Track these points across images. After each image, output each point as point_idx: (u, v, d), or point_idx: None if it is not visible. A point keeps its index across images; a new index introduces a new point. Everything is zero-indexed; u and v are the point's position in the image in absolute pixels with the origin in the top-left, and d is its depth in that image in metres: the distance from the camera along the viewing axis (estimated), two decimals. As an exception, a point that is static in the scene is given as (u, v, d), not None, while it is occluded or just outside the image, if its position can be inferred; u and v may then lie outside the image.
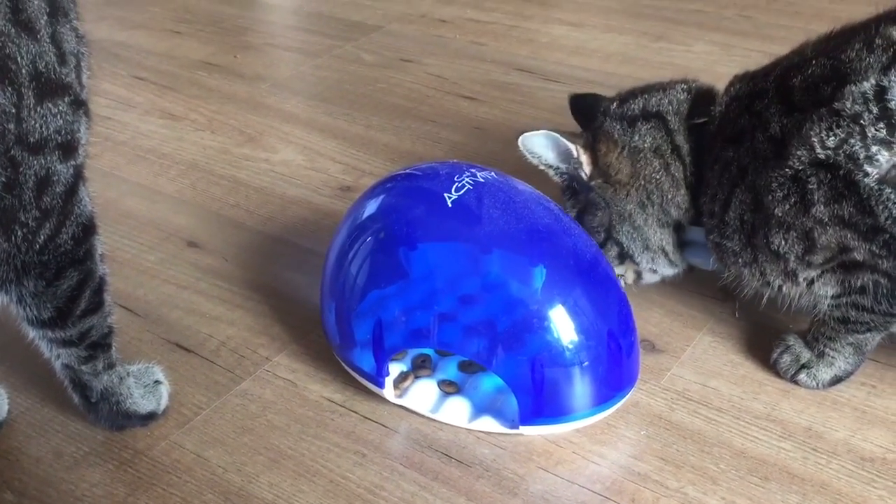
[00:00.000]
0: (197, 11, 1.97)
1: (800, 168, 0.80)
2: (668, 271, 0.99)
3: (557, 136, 0.96)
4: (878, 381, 0.91)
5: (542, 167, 0.99)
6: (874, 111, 0.75)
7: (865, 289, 0.83)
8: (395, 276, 0.86)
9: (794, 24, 1.72)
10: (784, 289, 0.88)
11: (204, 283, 1.10)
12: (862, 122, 0.76)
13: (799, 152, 0.80)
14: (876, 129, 0.75)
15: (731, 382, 0.92)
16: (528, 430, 0.85)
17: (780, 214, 0.83)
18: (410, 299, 0.85)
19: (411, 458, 0.85)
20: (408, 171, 0.95)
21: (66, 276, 0.77)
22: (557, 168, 0.99)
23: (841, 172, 0.78)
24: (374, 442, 0.87)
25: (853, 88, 0.77)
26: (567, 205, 1.00)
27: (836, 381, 0.90)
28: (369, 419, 0.90)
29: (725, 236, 0.89)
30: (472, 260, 0.85)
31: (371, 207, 0.91)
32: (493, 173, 0.90)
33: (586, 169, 0.97)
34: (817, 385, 0.89)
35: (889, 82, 0.75)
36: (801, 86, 0.82)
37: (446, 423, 0.88)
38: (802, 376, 0.90)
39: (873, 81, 0.76)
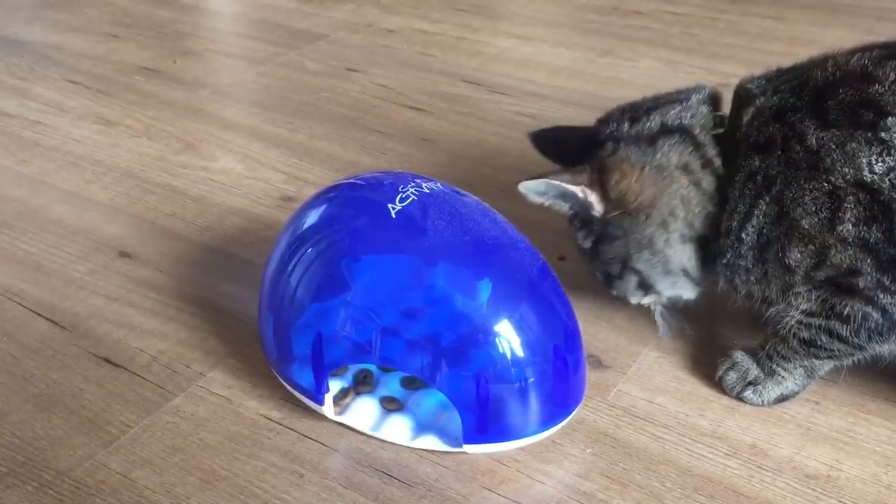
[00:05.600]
0: (135, 15, 1.92)
1: (841, 185, 0.79)
2: (690, 294, 0.94)
3: (558, 183, 0.89)
4: (821, 398, 0.90)
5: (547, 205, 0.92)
6: None
7: (850, 318, 0.82)
8: (336, 288, 0.83)
9: (738, 43, 1.74)
10: (773, 300, 0.86)
11: (136, 294, 1.06)
12: None
13: (845, 170, 0.79)
14: None
15: (678, 399, 0.91)
16: (471, 449, 0.83)
17: (806, 227, 0.81)
18: (352, 313, 0.82)
19: (351, 478, 0.82)
20: (351, 180, 0.92)
21: None
22: (562, 207, 0.92)
23: (882, 198, 0.77)
24: (312, 461, 0.84)
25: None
26: (579, 236, 0.93)
27: (782, 399, 0.89)
28: (308, 437, 0.86)
29: (740, 254, 0.85)
30: (416, 273, 0.83)
31: (312, 217, 0.88)
32: (438, 184, 0.88)
33: (598, 207, 0.90)
34: (763, 402, 0.89)
35: None
36: (837, 107, 0.81)
37: (388, 442, 0.85)
38: (748, 393, 0.89)
39: None
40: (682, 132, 0.88)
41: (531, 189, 0.89)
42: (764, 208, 0.83)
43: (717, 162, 0.88)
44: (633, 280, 0.92)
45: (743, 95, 0.89)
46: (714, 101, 0.92)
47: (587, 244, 0.92)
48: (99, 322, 1.01)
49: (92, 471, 0.82)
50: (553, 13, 1.94)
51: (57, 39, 1.79)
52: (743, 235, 0.84)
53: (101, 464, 0.83)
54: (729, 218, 0.86)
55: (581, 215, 0.92)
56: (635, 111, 0.92)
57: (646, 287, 0.92)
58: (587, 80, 1.60)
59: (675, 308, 0.97)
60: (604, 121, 0.94)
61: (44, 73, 1.65)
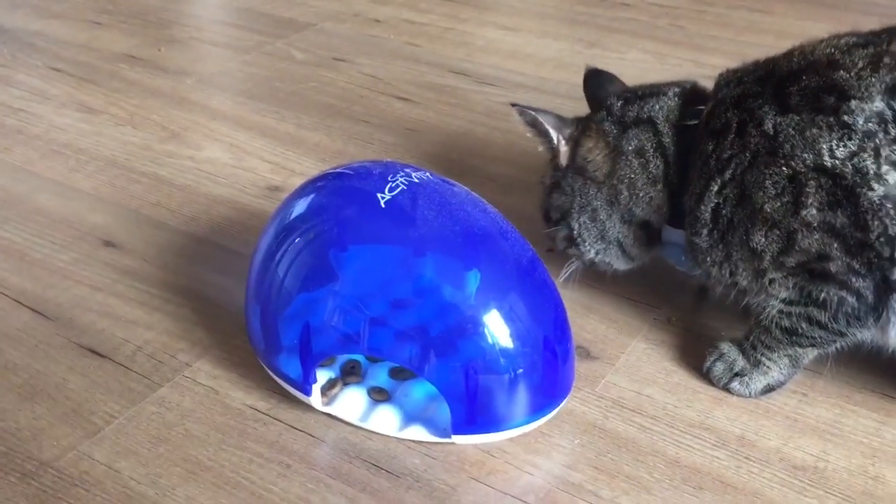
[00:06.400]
0: (119, 2, 1.90)
1: (801, 170, 0.80)
2: (620, 266, 0.99)
3: (542, 122, 0.98)
4: (808, 390, 0.91)
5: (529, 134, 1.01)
6: (892, 133, 0.77)
7: (826, 304, 0.82)
8: (324, 278, 0.83)
9: (724, 35, 1.74)
10: (747, 288, 0.87)
11: (121, 284, 1.04)
12: (877, 140, 0.77)
13: (804, 155, 0.79)
14: (890, 150, 0.76)
15: (666, 390, 0.91)
16: (460, 440, 0.83)
17: (769, 211, 0.82)
18: (340, 303, 0.82)
19: (338, 469, 0.81)
20: (339, 169, 0.91)
21: None
22: (540, 145, 1.01)
23: (844, 183, 0.78)
24: (299, 452, 0.83)
25: (862, 105, 0.77)
26: (547, 172, 1.02)
27: (769, 390, 0.89)
28: (295, 428, 0.86)
29: (695, 232, 0.88)
30: (404, 263, 0.82)
31: (300, 207, 0.87)
32: (428, 174, 0.87)
33: (563, 160, 0.98)
34: (749, 393, 0.89)
35: None
36: (798, 93, 0.82)
37: (375, 432, 0.85)
38: (735, 384, 0.89)
39: (883, 104, 0.77)
40: (649, 123, 0.94)
41: (524, 114, 0.99)
42: (724, 191, 0.85)
43: (671, 150, 0.92)
44: (564, 232, 0.98)
45: (713, 88, 0.93)
46: (693, 95, 0.95)
47: (547, 181, 1.00)
48: (83, 312, 1.00)
49: (76, 461, 0.81)
50: (540, 4, 1.93)
51: (39, 26, 1.77)
52: (697, 214, 0.88)
53: (86, 454, 0.82)
54: (689, 199, 0.90)
55: (553, 158, 1.01)
56: (632, 94, 0.98)
57: (573, 243, 0.98)
58: (575, 71, 1.58)
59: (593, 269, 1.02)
60: (614, 92, 1.00)
61: (26, 60, 1.62)
